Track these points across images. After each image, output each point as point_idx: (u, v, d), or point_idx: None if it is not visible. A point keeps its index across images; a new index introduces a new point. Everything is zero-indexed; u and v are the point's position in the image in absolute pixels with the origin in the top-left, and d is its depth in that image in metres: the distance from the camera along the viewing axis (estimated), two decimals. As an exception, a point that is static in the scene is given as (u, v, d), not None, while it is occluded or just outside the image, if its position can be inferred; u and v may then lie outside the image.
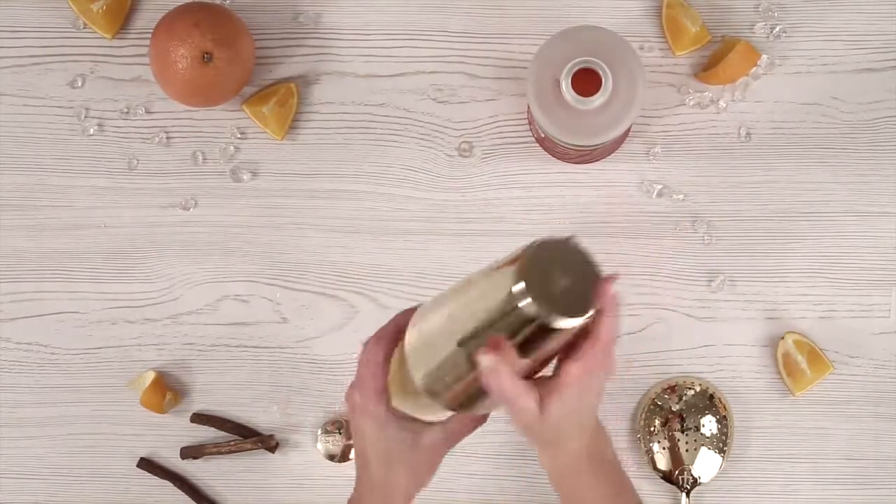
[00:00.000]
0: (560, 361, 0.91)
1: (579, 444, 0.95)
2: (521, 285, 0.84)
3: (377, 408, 0.95)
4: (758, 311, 1.21)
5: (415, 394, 0.93)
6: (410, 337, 0.93)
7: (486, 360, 0.87)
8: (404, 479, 0.99)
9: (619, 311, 0.89)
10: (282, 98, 1.22)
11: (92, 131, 1.23)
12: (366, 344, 0.96)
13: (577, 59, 1.07)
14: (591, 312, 0.87)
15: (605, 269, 0.89)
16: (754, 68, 1.21)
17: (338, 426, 1.21)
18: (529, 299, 0.84)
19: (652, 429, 1.21)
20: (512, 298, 0.85)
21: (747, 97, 1.22)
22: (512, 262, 0.86)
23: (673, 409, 1.21)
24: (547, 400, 0.89)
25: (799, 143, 1.22)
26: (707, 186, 1.22)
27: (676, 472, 1.20)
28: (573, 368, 0.89)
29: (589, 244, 1.21)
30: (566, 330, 0.86)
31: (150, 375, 1.21)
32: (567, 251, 0.87)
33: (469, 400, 0.92)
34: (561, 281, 0.86)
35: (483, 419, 1.02)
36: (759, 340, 1.21)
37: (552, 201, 1.22)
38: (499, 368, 0.87)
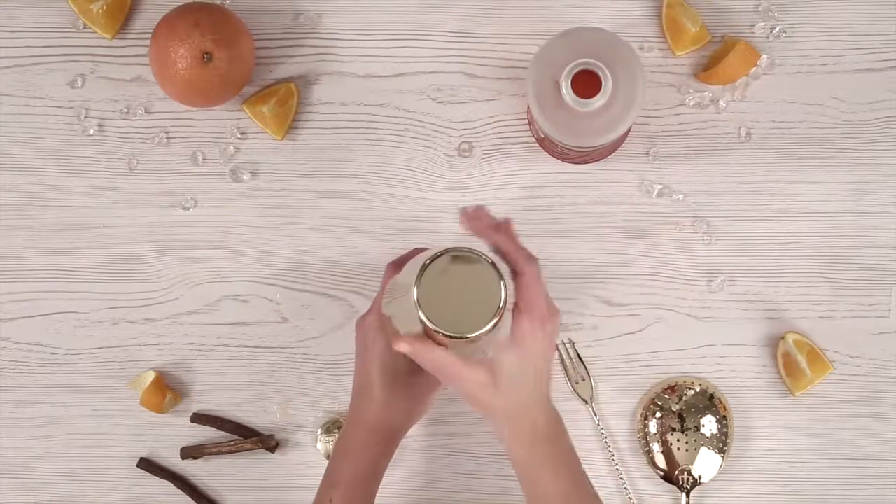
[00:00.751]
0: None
1: (545, 419, 1.00)
2: (421, 314, 0.94)
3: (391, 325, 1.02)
4: (758, 311, 1.21)
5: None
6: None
7: (402, 346, 0.97)
8: (402, 405, 1.07)
9: (531, 263, 0.97)
10: (282, 98, 1.22)
11: (92, 131, 1.23)
12: (386, 268, 1.07)
13: (577, 61, 1.07)
14: (493, 322, 0.95)
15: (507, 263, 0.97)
16: (754, 68, 1.21)
17: (338, 426, 1.21)
18: (431, 324, 0.94)
19: (652, 429, 1.21)
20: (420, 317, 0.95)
21: (747, 97, 1.22)
22: (420, 271, 0.95)
23: (673, 409, 1.21)
24: (502, 356, 0.97)
25: (799, 143, 1.22)
26: (707, 186, 1.22)
27: (676, 472, 1.20)
28: (523, 323, 0.97)
29: (589, 244, 1.23)
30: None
31: (150, 375, 1.21)
32: (460, 259, 0.96)
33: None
34: (455, 299, 0.95)
35: None
36: (759, 340, 1.21)
37: (552, 201, 1.22)
38: (417, 349, 0.96)
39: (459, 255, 0.95)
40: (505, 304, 0.95)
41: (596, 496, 1.04)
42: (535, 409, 1.00)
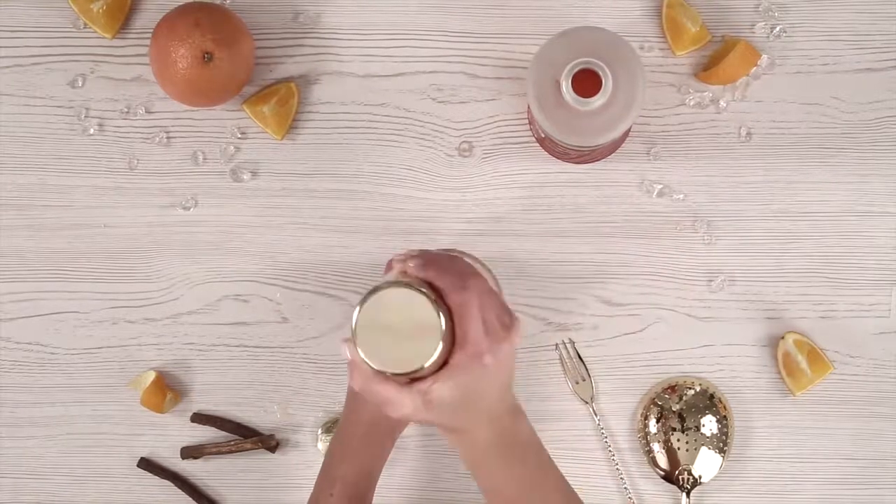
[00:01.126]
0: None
1: (490, 433, 0.97)
2: (361, 353, 0.90)
3: None
4: (758, 311, 1.21)
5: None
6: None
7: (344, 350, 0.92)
8: None
9: (461, 293, 0.92)
10: (282, 98, 1.22)
11: (92, 131, 1.23)
12: (386, 266, 1.02)
13: (578, 60, 1.07)
14: (433, 357, 0.90)
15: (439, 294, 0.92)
16: (754, 68, 1.21)
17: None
18: (370, 362, 0.90)
19: (652, 429, 1.21)
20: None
21: (747, 97, 1.22)
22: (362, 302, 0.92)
23: (673, 409, 1.21)
24: (434, 387, 0.92)
25: (799, 143, 1.22)
26: (707, 186, 1.22)
27: (677, 472, 1.20)
28: (456, 356, 0.92)
29: (589, 244, 1.22)
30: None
31: (150, 375, 1.21)
32: (397, 295, 0.91)
33: None
34: (393, 335, 0.91)
35: None
36: (759, 340, 1.21)
37: (552, 201, 1.22)
38: (355, 373, 0.92)
39: (398, 289, 0.91)
40: (445, 337, 0.91)
41: (561, 484, 1.00)
42: (478, 427, 0.96)
